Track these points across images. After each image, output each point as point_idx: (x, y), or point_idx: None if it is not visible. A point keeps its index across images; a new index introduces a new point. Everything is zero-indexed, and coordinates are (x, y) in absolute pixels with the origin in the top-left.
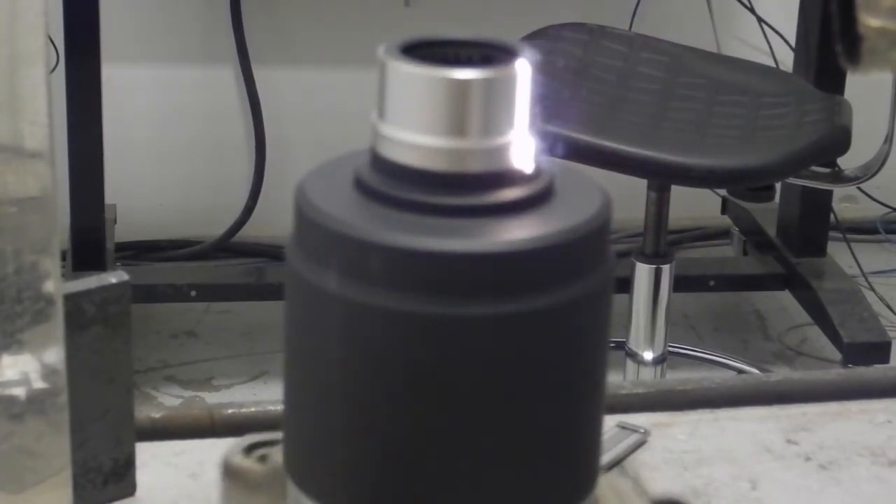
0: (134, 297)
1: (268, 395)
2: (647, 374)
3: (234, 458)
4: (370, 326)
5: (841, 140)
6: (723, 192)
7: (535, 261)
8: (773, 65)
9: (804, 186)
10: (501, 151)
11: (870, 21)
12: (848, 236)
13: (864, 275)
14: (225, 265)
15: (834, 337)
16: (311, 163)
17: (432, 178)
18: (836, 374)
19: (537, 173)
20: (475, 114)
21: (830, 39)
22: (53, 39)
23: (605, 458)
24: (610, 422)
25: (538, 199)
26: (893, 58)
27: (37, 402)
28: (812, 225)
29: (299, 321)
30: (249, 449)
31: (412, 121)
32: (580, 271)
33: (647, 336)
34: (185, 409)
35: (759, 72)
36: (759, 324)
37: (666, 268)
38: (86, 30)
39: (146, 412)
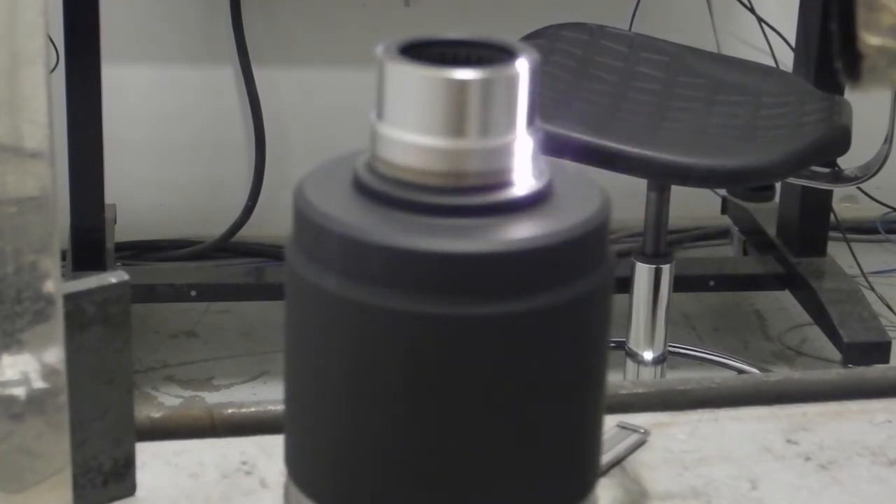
0: (134, 297)
1: (268, 395)
2: (647, 374)
3: None
4: (370, 326)
5: (841, 140)
6: (723, 192)
7: (535, 261)
8: (773, 65)
9: (804, 186)
10: (501, 151)
11: (870, 39)
12: (848, 236)
13: (864, 275)
14: (225, 265)
15: (834, 337)
16: (311, 163)
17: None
18: (836, 374)
19: (537, 173)
20: (474, 114)
21: (831, 41)
22: (53, 39)
23: (605, 458)
24: (610, 422)
25: (538, 199)
26: (893, 76)
27: (37, 402)
28: (812, 225)
29: (299, 321)
30: None
31: (411, 121)
32: (580, 271)
33: (647, 336)
34: (185, 409)
35: (759, 72)
36: (759, 324)
37: (666, 268)
38: (86, 30)
39: (146, 412)
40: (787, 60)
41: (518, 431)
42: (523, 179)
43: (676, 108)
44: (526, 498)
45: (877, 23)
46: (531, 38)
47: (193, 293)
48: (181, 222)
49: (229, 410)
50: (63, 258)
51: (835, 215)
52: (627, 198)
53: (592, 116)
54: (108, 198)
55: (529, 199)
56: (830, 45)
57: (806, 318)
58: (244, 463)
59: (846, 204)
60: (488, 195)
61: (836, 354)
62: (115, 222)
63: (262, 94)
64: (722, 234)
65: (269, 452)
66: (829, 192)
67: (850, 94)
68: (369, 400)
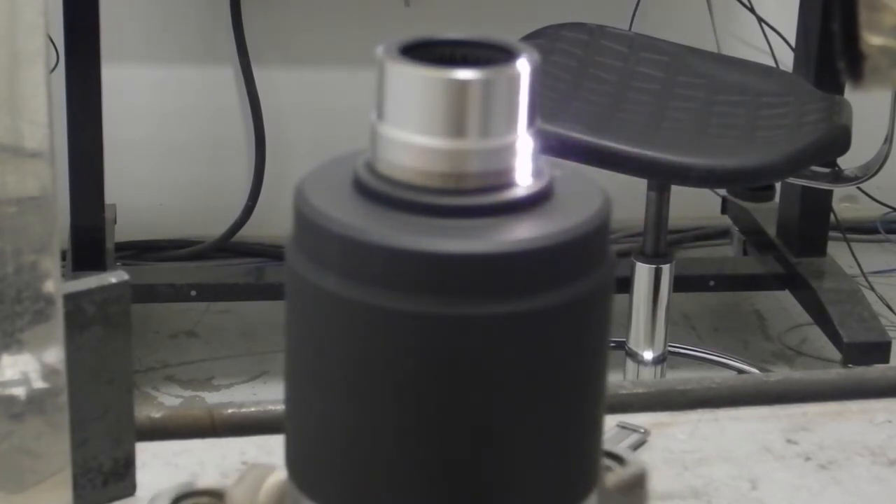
0: (134, 297)
1: (268, 395)
2: (647, 374)
3: None
4: (370, 327)
5: (841, 140)
6: (723, 192)
7: (536, 261)
8: (773, 65)
9: (804, 186)
10: (501, 152)
11: (872, 39)
12: (848, 236)
13: (864, 275)
14: (225, 265)
15: (834, 337)
16: (311, 163)
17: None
18: (836, 374)
19: (537, 174)
20: (475, 114)
21: (831, 41)
22: (53, 39)
23: None
24: (610, 422)
25: (538, 200)
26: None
27: (37, 402)
28: (812, 225)
29: (299, 321)
30: (177, 501)
31: (411, 121)
32: (580, 271)
33: (647, 336)
34: (185, 409)
35: (759, 72)
36: (759, 324)
37: (666, 268)
38: (86, 30)
39: (146, 412)
40: (787, 60)
41: (518, 431)
42: (524, 180)
43: (676, 108)
44: (526, 498)
45: (879, 23)
46: (531, 38)
47: (193, 293)
48: (181, 222)
49: (229, 410)
50: (63, 258)
51: (835, 215)
52: (627, 198)
53: (592, 116)
54: (108, 198)
55: (530, 199)
56: (831, 45)
57: (806, 318)
58: (244, 463)
59: (846, 204)
60: (489, 196)
61: (836, 354)
62: (115, 222)
63: (262, 94)
64: (722, 234)
65: (269, 452)
66: (829, 192)
67: (850, 94)
68: (369, 400)
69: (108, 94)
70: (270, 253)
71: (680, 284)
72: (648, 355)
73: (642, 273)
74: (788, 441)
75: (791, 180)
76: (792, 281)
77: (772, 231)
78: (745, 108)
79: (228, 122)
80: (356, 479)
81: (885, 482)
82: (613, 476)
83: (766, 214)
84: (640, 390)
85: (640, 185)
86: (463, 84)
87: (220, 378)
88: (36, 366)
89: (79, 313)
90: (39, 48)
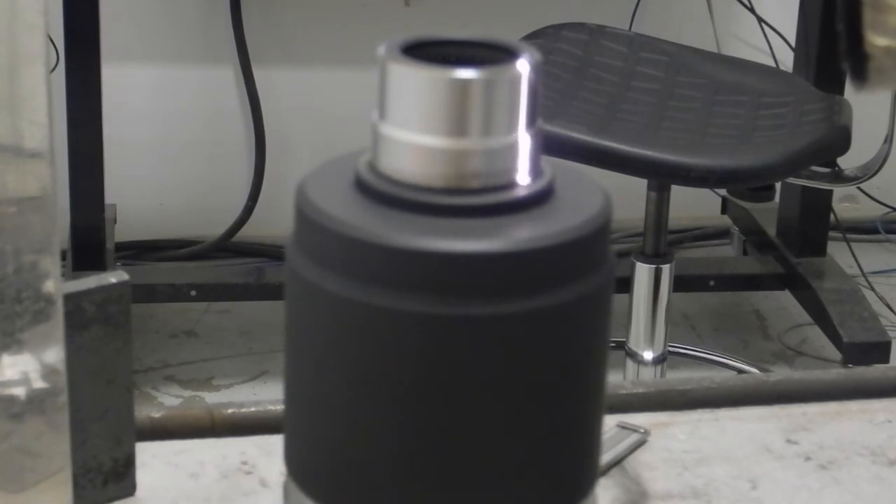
0: (134, 297)
1: (268, 395)
2: (647, 374)
3: None
4: (370, 326)
5: (841, 140)
6: (723, 192)
7: (536, 261)
8: (773, 65)
9: (804, 186)
10: (502, 152)
11: (876, 40)
12: (848, 236)
13: (864, 275)
14: (225, 265)
15: (834, 337)
16: (311, 163)
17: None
18: (836, 374)
19: (538, 173)
20: (476, 114)
21: (831, 41)
22: (53, 39)
23: (605, 458)
24: (610, 422)
25: (539, 200)
26: None
27: (37, 402)
28: (812, 225)
29: (299, 321)
30: None
31: (413, 121)
32: (580, 271)
33: (647, 336)
34: (185, 409)
35: (759, 72)
36: (759, 324)
37: (666, 268)
38: (86, 30)
39: (146, 412)
40: (787, 60)
41: (518, 431)
42: (525, 180)
43: (676, 108)
44: (526, 497)
45: (884, 24)
46: (531, 38)
47: (193, 293)
48: (181, 222)
49: (229, 410)
50: (63, 258)
51: (835, 215)
52: (627, 198)
53: (592, 116)
54: (108, 198)
55: (531, 199)
56: (831, 46)
57: (806, 318)
58: (244, 463)
59: (846, 204)
60: (490, 195)
61: (836, 354)
62: (115, 222)
63: (262, 94)
64: (722, 234)
65: (269, 452)
66: (829, 192)
67: (849, 94)
68: (369, 399)
69: (108, 94)
70: (270, 253)
71: (680, 284)
72: (648, 355)
73: (642, 273)
74: (788, 441)
75: (791, 180)
76: (792, 281)
77: (772, 231)
78: (745, 108)
79: (228, 122)
80: (356, 478)
81: (885, 482)
82: None
83: (766, 214)
84: (640, 390)
85: (640, 185)
86: (464, 84)
87: (220, 378)
88: (36, 366)
89: (79, 313)
90: (39, 48)
